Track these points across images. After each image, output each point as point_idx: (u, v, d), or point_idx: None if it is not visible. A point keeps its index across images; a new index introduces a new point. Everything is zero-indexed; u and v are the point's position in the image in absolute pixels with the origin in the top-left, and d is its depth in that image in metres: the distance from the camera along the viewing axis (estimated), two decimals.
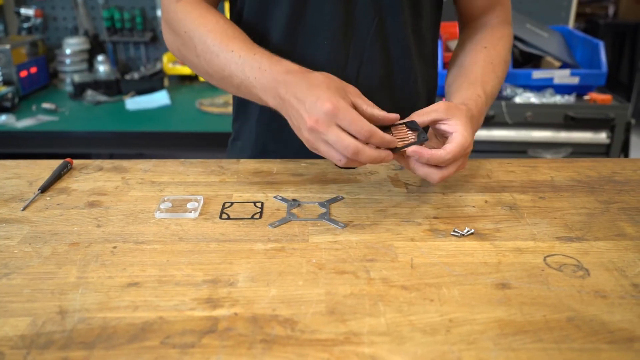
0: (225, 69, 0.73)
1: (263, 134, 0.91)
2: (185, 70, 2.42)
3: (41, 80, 2.36)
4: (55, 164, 0.83)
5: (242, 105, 0.93)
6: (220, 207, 0.72)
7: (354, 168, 0.83)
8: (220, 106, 2.11)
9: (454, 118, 0.67)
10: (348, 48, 0.82)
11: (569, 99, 2.09)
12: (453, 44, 2.22)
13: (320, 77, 0.65)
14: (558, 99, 2.08)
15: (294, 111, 0.65)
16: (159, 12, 2.50)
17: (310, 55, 0.82)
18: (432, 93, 0.96)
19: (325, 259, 0.60)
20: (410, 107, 0.77)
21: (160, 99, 2.19)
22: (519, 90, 2.11)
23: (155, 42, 2.56)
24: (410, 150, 0.64)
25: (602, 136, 2.07)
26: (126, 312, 0.51)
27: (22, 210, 0.71)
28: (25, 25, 2.48)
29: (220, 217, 0.69)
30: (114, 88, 2.25)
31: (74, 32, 2.55)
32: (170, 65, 2.43)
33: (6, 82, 2.17)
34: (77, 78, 2.26)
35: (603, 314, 0.51)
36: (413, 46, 0.85)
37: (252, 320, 0.50)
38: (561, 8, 2.55)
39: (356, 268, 0.58)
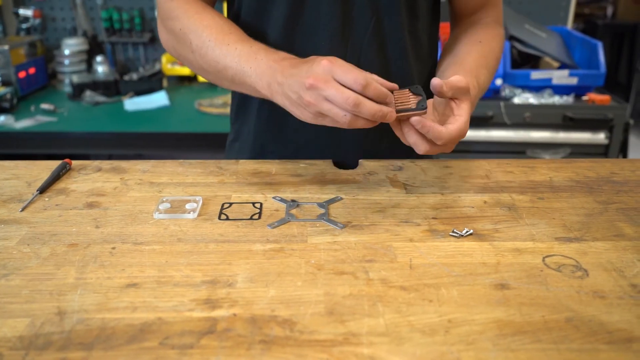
0: (220, 62, 0.74)
1: (262, 134, 0.91)
2: (184, 70, 2.42)
3: (40, 81, 2.35)
4: (53, 164, 0.83)
5: (241, 105, 0.93)
6: (219, 207, 0.72)
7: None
8: (219, 107, 2.10)
9: (465, 102, 0.68)
10: (345, 48, 0.83)
11: (568, 99, 2.10)
12: None
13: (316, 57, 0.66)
14: (556, 99, 2.08)
15: (292, 83, 0.65)
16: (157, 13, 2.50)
17: (307, 55, 0.82)
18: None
19: (324, 259, 0.60)
20: None
21: (159, 99, 2.19)
22: (518, 91, 2.11)
23: (154, 42, 2.55)
24: (414, 119, 0.65)
25: (600, 137, 2.08)
26: (125, 312, 0.51)
27: (21, 211, 0.71)
28: (24, 25, 2.48)
29: (219, 218, 0.69)
30: (113, 89, 2.25)
31: (73, 32, 2.54)
32: (169, 66, 2.43)
33: (5, 83, 2.17)
34: (75, 79, 2.25)
35: (602, 314, 0.51)
36: (410, 47, 0.86)
37: (251, 321, 0.50)
38: (560, 8, 2.55)
39: (355, 269, 0.58)
